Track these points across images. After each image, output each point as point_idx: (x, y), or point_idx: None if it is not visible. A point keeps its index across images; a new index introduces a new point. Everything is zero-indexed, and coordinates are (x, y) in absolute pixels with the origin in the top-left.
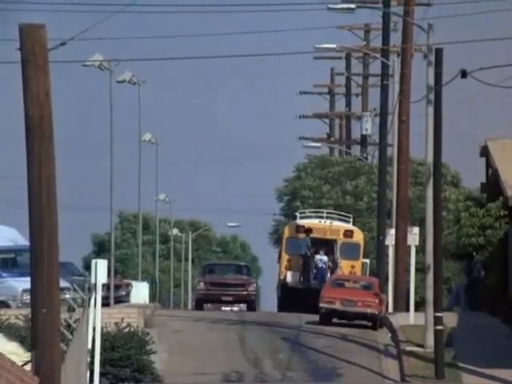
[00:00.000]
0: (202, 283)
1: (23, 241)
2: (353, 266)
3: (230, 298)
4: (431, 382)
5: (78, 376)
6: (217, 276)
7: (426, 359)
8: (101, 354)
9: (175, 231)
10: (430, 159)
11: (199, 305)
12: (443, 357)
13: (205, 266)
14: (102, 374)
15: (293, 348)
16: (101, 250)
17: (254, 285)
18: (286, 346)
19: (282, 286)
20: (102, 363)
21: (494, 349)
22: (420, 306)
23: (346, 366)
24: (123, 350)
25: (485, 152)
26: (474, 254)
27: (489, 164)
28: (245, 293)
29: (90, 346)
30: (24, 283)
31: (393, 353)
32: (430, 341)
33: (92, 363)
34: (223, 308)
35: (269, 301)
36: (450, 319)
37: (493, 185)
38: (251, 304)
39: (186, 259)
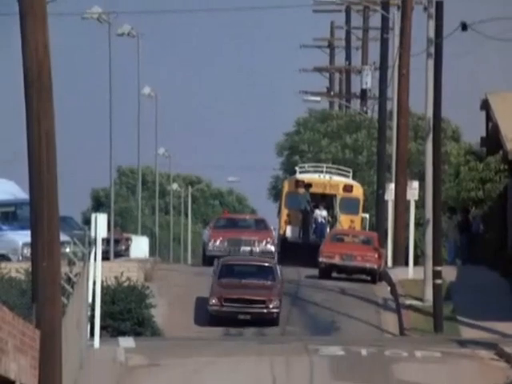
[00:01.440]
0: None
1: (23, 194)
2: (352, 221)
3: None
4: (430, 335)
5: (78, 329)
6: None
7: (424, 313)
8: (101, 307)
9: (174, 186)
10: (430, 113)
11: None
12: (442, 310)
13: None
14: (102, 328)
15: (292, 302)
16: (99, 205)
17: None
18: (285, 301)
19: (282, 241)
20: (103, 316)
21: (492, 302)
22: (419, 260)
23: (345, 319)
24: (123, 303)
25: (485, 105)
26: (473, 208)
27: (489, 118)
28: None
29: (90, 300)
30: (24, 236)
31: (392, 307)
32: (429, 295)
33: (92, 316)
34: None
35: None
36: (449, 273)
37: (493, 139)
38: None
39: (186, 214)
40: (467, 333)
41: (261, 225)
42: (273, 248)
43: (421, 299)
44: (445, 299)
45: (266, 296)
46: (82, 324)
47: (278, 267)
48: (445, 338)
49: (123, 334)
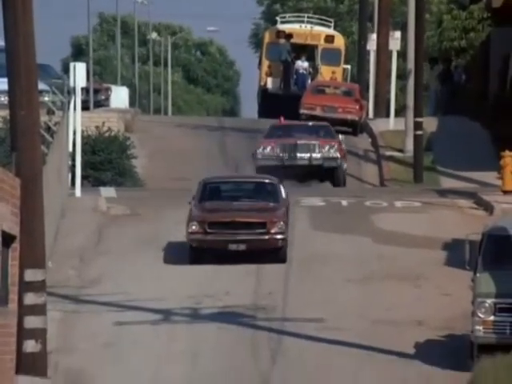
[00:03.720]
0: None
1: None
2: (334, 72)
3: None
4: (410, 185)
5: (59, 178)
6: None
7: (405, 164)
8: (82, 157)
9: (154, 35)
10: None
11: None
12: (422, 161)
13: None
14: (83, 177)
15: None
16: (79, 52)
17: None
18: None
19: (263, 93)
20: (83, 166)
21: (472, 152)
22: (400, 112)
23: None
24: (104, 154)
25: None
26: (455, 58)
27: None
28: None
29: (70, 149)
30: (1, 84)
31: (372, 158)
32: (410, 145)
33: (73, 166)
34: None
35: (249, 108)
36: (430, 124)
37: None
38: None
39: (166, 64)
40: (447, 183)
41: (325, 131)
42: (338, 154)
43: (401, 150)
44: (425, 150)
45: (266, 218)
46: (63, 173)
47: (282, 186)
48: (425, 188)
49: (104, 184)
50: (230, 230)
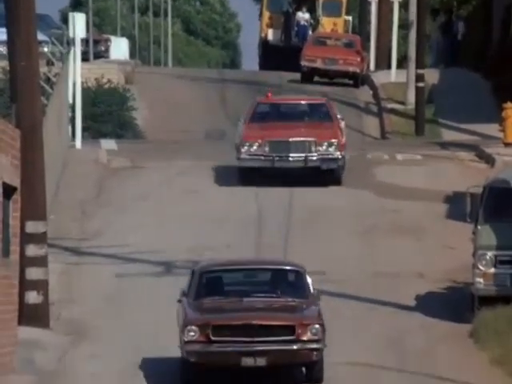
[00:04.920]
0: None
1: None
2: (335, 24)
3: None
4: (411, 138)
5: (59, 130)
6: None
7: (406, 116)
8: (82, 109)
9: None
10: None
11: None
12: (424, 113)
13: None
14: (83, 129)
15: None
16: (78, 3)
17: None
18: None
19: (264, 44)
20: (83, 118)
21: (474, 104)
22: (402, 62)
23: None
24: (104, 105)
25: None
26: (457, 8)
27: None
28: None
29: (70, 101)
30: (0, 34)
31: (374, 110)
32: (411, 98)
33: (73, 118)
34: None
35: (250, 59)
36: (432, 76)
37: None
38: None
39: (166, 14)
40: (448, 135)
41: (323, 113)
42: (338, 153)
43: (403, 102)
44: (427, 102)
45: (294, 320)
46: (63, 125)
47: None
48: (426, 140)
49: (104, 136)
50: (244, 337)
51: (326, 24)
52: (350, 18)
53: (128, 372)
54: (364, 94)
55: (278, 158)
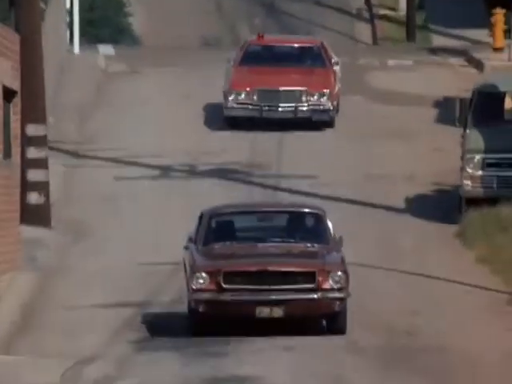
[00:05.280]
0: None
1: None
2: None
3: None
4: (402, 44)
5: (57, 34)
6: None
7: (397, 22)
8: (79, 14)
9: None
10: None
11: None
12: (415, 19)
13: None
14: (81, 34)
15: (268, 13)
16: None
17: None
18: (261, 11)
19: None
20: (81, 24)
21: (464, 10)
22: None
23: (320, 30)
24: (102, 11)
25: None
26: None
27: None
28: None
29: (68, 6)
30: None
31: (365, 17)
32: (403, 4)
33: (71, 23)
34: None
35: None
36: None
37: None
38: None
39: None
40: (439, 41)
41: (316, 57)
42: (330, 104)
43: (394, 9)
44: (418, 8)
45: (315, 266)
46: (61, 30)
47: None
48: (417, 46)
49: (101, 41)
50: (259, 285)
51: None
52: None
53: (126, 268)
54: (356, 1)
55: (266, 108)
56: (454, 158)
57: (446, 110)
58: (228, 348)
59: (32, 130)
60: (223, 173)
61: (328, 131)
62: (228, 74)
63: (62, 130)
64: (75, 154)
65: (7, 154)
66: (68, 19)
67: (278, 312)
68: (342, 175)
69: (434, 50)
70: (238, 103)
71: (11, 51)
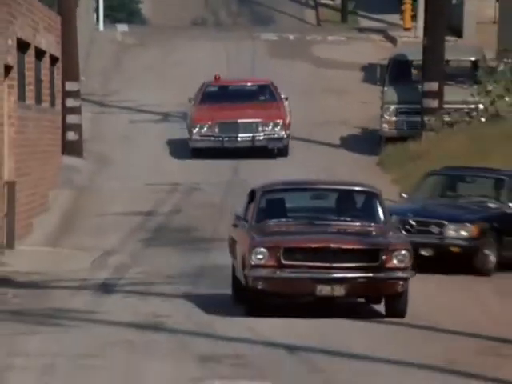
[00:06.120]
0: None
1: None
2: None
3: None
4: (338, 25)
5: (87, 16)
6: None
7: (335, 9)
8: (103, 1)
9: None
10: None
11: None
12: (347, 7)
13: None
14: (104, 16)
15: (240, 2)
16: None
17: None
18: (235, 1)
19: None
20: (104, 8)
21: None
22: None
23: (278, 15)
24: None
25: None
26: None
27: None
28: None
29: None
30: None
31: (311, 4)
32: None
33: (97, 7)
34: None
35: None
36: None
37: None
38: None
39: None
40: (364, 23)
41: (267, 95)
42: (283, 133)
43: None
44: None
45: (379, 245)
46: (90, 13)
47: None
48: (348, 26)
49: (119, 21)
50: (321, 262)
51: None
52: None
53: (137, 187)
54: None
55: (227, 139)
56: (375, 108)
57: (370, 73)
58: (214, 244)
59: (69, 85)
60: None
61: (286, 88)
62: (191, 112)
63: (90, 86)
64: (100, 104)
65: (52, 103)
66: (95, 5)
67: (339, 290)
68: (293, 120)
69: (361, 30)
70: (201, 135)
71: (55, 28)
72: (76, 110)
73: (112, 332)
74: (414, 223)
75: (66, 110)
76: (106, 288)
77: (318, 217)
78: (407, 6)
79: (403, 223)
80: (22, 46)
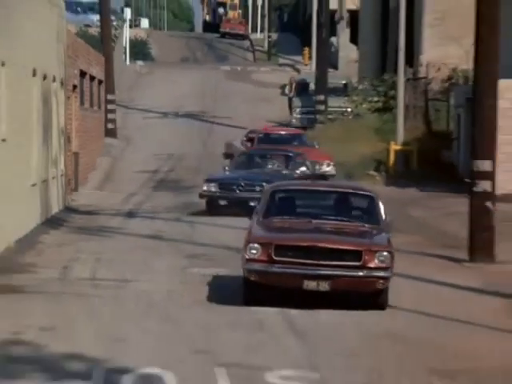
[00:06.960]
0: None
1: None
2: None
3: None
4: (266, 61)
5: (119, 56)
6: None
7: (263, 52)
8: (129, 48)
9: None
10: None
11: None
12: (271, 51)
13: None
14: (130, 56)
15: (209, 47)
16: None
17: None
18: (204, 46)
19: None
20: (130, 51)
21: (293, 47)
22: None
23: (231, 56)
24: (139, 47)
25: None
26: None
27: None
28: None
29: (123, 44)
30: None
31: (250, 50)
32: (266, 45)
33: (125, 51)
34: None
35: None
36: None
37: None
38: None
39: None
40: (282, 60)
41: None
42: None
43: (262, 46)
44: (273, 46)
45: (361, 245)
46: (121, 53)
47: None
48: (272, 62)
49: (138, 59)
50: (308, 259)
51: None
52: None
53: (149, 156)
54: (246, 44)
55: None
56: (288, 111)
57: (284, 89)
58: (193, 190)
59: (109, 96)
60: (192, 116)
61: (235, 98)
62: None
63: (121, 96)
64: (126, 107)
65: (99, 107)
66: (124, 49)
67: (324, 286)
68: (244, 118)
69: (280, 64)
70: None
71: (101, 63)
72: (113, 111)
73: (134, 240)
74: (243, 184)
75: (107, 111)
76: (130, 214)
77: (318, 215)
78: (306, 51)
79: (236, 185)
80: (82, 73)
